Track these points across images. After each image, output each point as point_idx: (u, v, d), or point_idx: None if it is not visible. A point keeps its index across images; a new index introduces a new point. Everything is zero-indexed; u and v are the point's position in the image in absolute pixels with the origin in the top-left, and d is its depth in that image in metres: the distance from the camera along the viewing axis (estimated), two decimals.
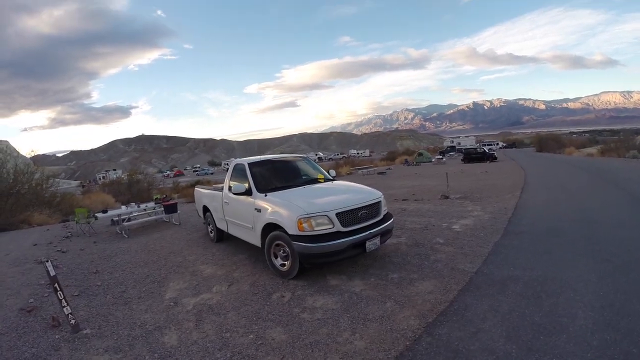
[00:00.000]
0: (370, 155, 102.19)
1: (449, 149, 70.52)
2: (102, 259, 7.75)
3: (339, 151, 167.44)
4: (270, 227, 5.62)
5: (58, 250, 8.73)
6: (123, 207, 11.99)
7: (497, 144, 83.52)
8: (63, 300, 4.33)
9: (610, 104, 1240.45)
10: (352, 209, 5.38)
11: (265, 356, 3.52)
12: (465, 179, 19.51)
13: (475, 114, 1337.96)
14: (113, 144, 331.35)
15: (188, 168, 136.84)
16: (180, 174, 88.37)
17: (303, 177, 7.25)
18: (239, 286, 5.45)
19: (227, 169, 7.50)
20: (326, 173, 7.42)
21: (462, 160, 41.53)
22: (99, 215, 10.66)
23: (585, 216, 8.10)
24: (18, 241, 10.48)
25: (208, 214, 8.57)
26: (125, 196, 21.74)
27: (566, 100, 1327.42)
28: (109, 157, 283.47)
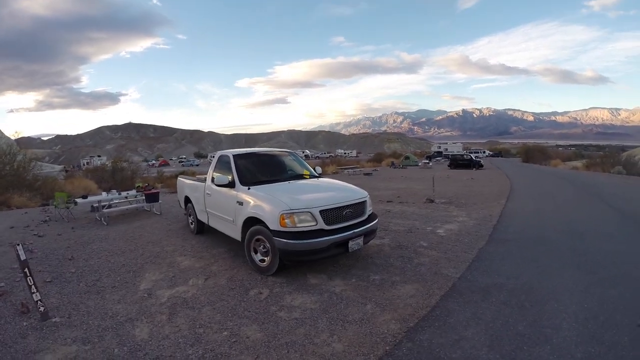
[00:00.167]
0: (357, 156, 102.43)
1: (435, 154, 70.98)
2: (79, 245, 7.56)
3: (327, 150, 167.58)
4: (252, 222, 5.47)
5: (35, 234, 8.52)
6: (104, 193, 11.72)
7: (484, 152, 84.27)
8: (33, 286, 4.14)
9: (597, 119, 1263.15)
10: (337, 207, 5.26)
11: (239, 355, 3.36)
12: (451, 184, 19.61)
13: (464, 121, 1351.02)
14: (100, 130, 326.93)
15: (174, 158, 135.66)
16: (165, 164, 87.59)
17: (288, 172, 7.09)
18: (216, 280, 5.29)
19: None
20: (312, 170, 7.29)
21: (448, 165, 41.79)
22: (79, 200, 10.40)
23: (571, 227, 8.09)
24: None
25: (189, 205, 8.38)
26: (109, 183, 21.37)
27: (555, 113, 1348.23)
28: (95, 143, 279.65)
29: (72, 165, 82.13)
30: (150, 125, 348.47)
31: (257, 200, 5.45)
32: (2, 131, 31.99)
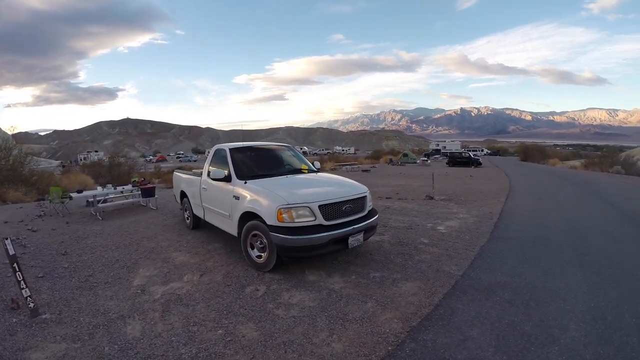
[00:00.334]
0: (355, 153, 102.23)
1: (434, 151, 70.98)
2: (73, 240, 7.44)
3: (325, 147, 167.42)
4: (249, 216, 5.33)
5: (29, 229, 8.38)
6: (99, 188, 11.60)
7: (482, 150, 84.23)
8: (22, 282, 4.02)
9: (595, 120, 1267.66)
10: (336, 202, 5.13)
11: (234, 354, 3.23)
12: (450, 182, 19.50)
13: (462, 119, 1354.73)
14: (97, 126, 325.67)
15: (171, 154, 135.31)
16: (162, 160, 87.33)
17: (286, 167, 6.96)
18: (211, 276, 5.15)
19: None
20: (310, 164, 7.14)
21: (447, 163, 41.82)
22: (74, 195, 10.25)
23: (572, 226, 7.99)
24: None
25: (185, 199, 8.24)
26: (105, 178, 21.26)
27: (553, 113, 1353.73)
28: (92, 139, 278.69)
29: (70, 160, 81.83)
30: (148, 121, 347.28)
31: (254, 195, 5.31)
32: None
